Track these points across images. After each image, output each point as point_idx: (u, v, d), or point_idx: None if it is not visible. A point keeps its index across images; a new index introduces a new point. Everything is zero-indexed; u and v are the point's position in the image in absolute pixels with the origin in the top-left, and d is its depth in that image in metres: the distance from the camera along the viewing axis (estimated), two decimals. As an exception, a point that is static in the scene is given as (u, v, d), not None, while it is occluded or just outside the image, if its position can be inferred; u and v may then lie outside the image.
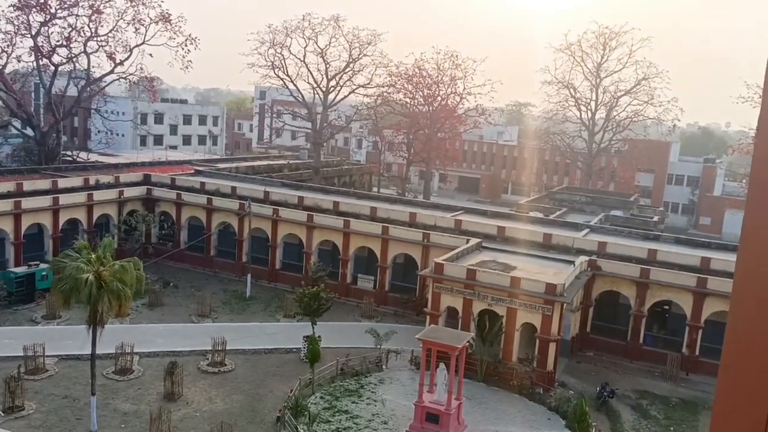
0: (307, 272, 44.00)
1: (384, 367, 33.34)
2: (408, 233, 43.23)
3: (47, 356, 30.21)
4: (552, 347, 32.01)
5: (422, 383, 27.44)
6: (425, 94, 76.88)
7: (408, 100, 78.28)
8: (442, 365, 27.47)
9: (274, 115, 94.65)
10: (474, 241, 40.35)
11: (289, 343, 35.12)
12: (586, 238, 43.01)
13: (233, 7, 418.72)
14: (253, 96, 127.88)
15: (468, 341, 28.73)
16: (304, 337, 33.43)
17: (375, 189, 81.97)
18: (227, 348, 32.62)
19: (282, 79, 72.47)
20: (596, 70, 78.65)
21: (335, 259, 45.19)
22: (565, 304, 32.29)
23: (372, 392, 30.66)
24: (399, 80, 75.22)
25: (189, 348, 33.58)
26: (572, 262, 37.13)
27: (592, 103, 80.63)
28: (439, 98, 77.16)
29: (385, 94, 76.18)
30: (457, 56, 75.43)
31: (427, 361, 28.12)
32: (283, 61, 71.61)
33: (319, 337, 32.92)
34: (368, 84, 73.99)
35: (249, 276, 44.41)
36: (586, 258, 38.27)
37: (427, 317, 34.88)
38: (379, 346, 33.89)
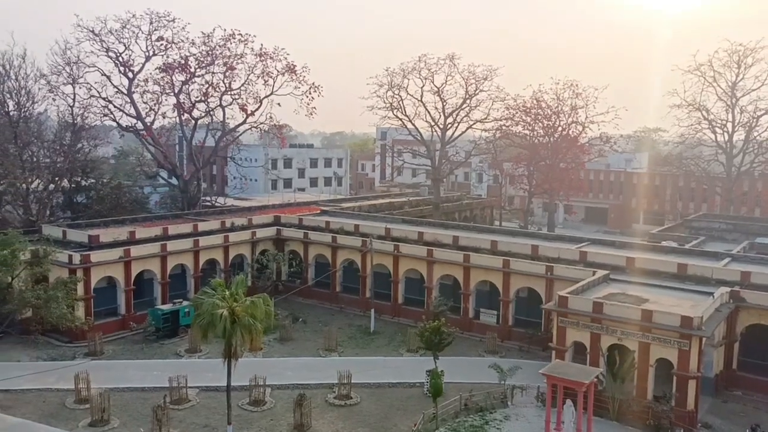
0: (428, 307, 44.22)
1: (509, 403, 32.56)
2: (530, 266, 42.33)
3: (190, 387, 32.45)
4: (691, 384, 29.77)
5: (548, 420, 26.55)
6: (545, 125, 75.72)
7: (527, 132, 77.45)
8: (569, 402, 26.46)
9: (395, 154, 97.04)
10: (601, 273, 38.74)
11: (412, 378, 35.30)
12: (727, 267, 39.90)
13: (356, 55, 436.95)
14: (374, 137, 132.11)
15: (596, 377, 27.49)
16: (426, 371, 33.50)
17: (497, 223, 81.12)
18: (353, 381, 33.38)
19: (400, 119, 74.44)
20: (731, 90, 73.71)
21: (456, 293, 45.10)
22: (704, 339, 30.04)
23: (497, 429, 30.00)
24: (517, 113, 74.76)
25: (317, 381, 34.69)
26: (711, 294, 34.57)
27: (729, 125, 75.41)
28: (560, 128, 75.69)
29: (503, 127, 75.89)
30: (576, 85, 73.98)
31: (553, 397, 27.21)
32: (401, 102, 73.67)
33: (442, 371, 32.81)
34: (485, 119, 74.15)
35: (373, 311, 45.36)
36: (728, 289, 35.48)
37: (553, 352, 33.77)
38: (503, 382, 33.19)
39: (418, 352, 38.69)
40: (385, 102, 73.38)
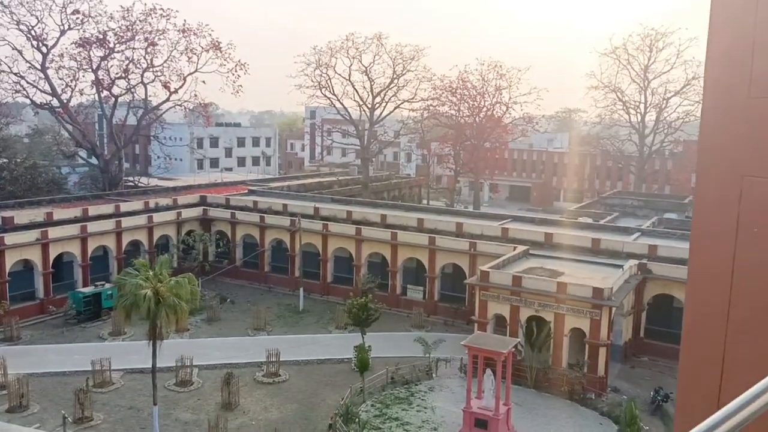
0: (357, 284, 44.93)
1: (433, 375, 33.79)
2: (455, 243, 43.67)
3: (113, 370, 31.97)
4: (602, 352, 31.80)
5: (470, 389, 27.79)
6: (470, 105, 77.31)
7: (453, 112, 78.89)
8: (489, 371, 27.76)
9: (324, 134, 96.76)
10: (521, 248, 40.46)
11: (340, 354, 36.00)
12: (637, 241, 42.45)
13: (285, 31, 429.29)
14: (303, 116, 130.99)
15: (514, 347, 28.93)
16: (354, 347, 34.25)
17: (425, 202, 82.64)
18: (281, 359, 33.75)
19: (329, 98, 74.33)
20: (644, 73, 77.39)
21: (384, 271, 45.99)
22: (614, 309, 32.08)
23: (422, 399, 31.14)
24: (443, 93, 76.01)
25: (245, 360, 34.86)
26: (621, 266, 36.80)
27: (641, 106, 79.30)
28: (484, 109, 77.45)
29: (430, 107, 77.03)
30: (501, 66, 75.71)
31: (474, 367, 28.47)
32: (329, 81, 73.48)
33: (369, 347, 33.68)
34: (413, 98, 75.06)
35: (302, 290, 45.67)
36: (636, 262, 37.84)
37: (475, 325, 35.18)
38: (428, 355, 34.37)
39: (347, 328, 39.43)
40: (312, 81, 73.06)
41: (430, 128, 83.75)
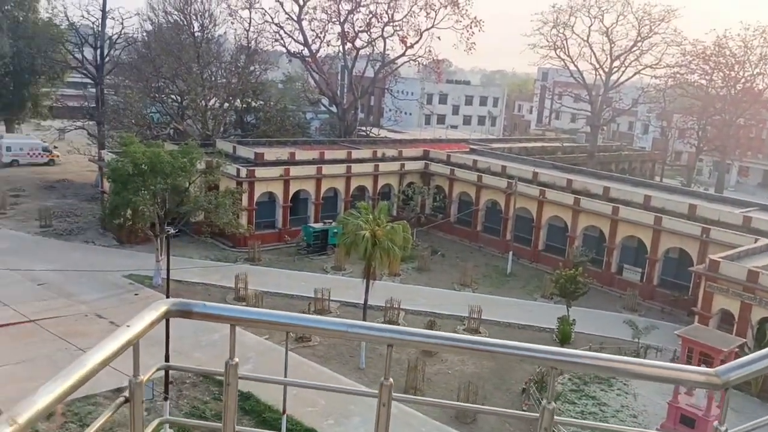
0: (569, 256, 43.61)
1: (640, 361, 31.91)
2: (684, 226, 40.05)
3: (332, 300, 35.25)
4: None
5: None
6: (725, 75, 68.92)
7: (704, 82, 71.04)
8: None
9: (555, 97, 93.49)
10: (764, 241, 35.86)
11: (542, 323, 35.55)
12: None
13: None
14: (535, 78, 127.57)
15: (739, 347, 26.14)
16: (558, 318, 33.60)
17: (657, 179, 76.44)
18: (483, 317, 34.36)
19: (563, 60, 71.37)
20: None
21: (600, 246, 43.93)
22: None
23: (624, 384, 29.70)
24: (694, 60, 68.62)
25: (448, 312, 36.10)
26: None
27: None
28: (742, 80, 68.57)
29: (677, 75, 70.21)
30: (770, 32, 66.01)
31: (688, 361, 26.34)
32: (565, 42, 70.41)
33: (573, 320, 32.80)
34: (657, 64, 68.93)
35: (511, 254, 45.58)
36: None
37: (696, 318, 32.32)
38: (636, 339, 32.50)
39: (552, 299, 38.70)
40: (548, 41, 70.63)
41: (673, 98, 76.56)
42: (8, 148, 64.52)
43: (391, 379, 2.64)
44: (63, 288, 34.92)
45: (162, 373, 22.58)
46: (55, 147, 66.27)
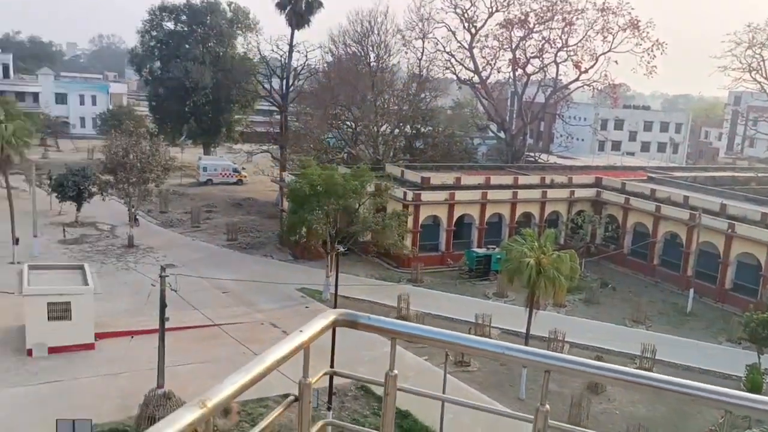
0: (762, 297, 39.17)
1: None
2: None
3: (492, 327, 34.73)
4: None
5: None
6: None
7: None
8: None
9: (748, 123, 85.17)
10: None
11: (727, 369, 32.14)
12: None
13: (714, 5, 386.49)
14: (725, 102, 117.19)
15: None
16: (747, 365, 30.22)
17: None
18: (657, 357, 31.87)
19: (759, 83, 64.92)
20: None
21: (802, 288, 38.94)
22: None
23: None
24: None
25: (618, 348, 33.95)
26: None
27: None
28: None
29: None
30: None
31: None
32: (762, 63, 64.06)
33: (766, 369, 29.31)
34: None
35: (692, 291, 41.91)
36: None
37: None
38: None
39: (740, 343, 34.93)
40: (741, 62, 64.74)
41: None
42: (204, 169, 72.07)
43: (547, 406, 2.61)
44: (243, 297, 38.03)
45: (326, 383, 23.72)
46: (244, 168, 72.79)
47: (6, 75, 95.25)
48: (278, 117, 68.60)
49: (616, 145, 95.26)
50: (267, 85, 68.12)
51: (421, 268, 43.47)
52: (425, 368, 29.72)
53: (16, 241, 40.55)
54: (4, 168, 41.06)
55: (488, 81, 68.99)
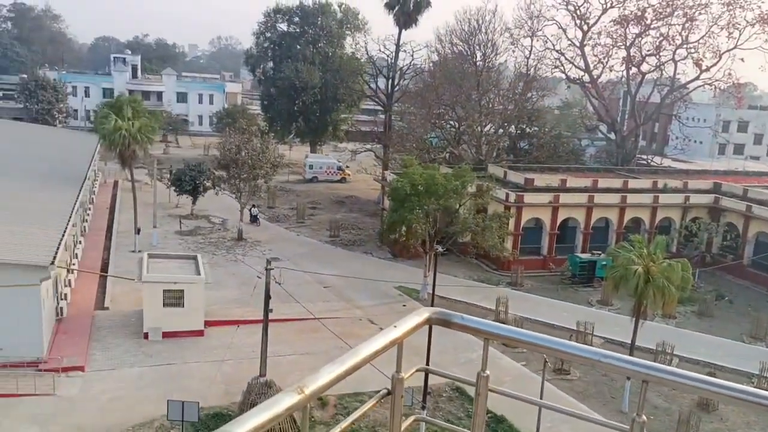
0: None
1: None
2: None
3: (595, 335, 33.49)
4: None
5: None
6: None
7: None
8: None
9: None
10: None
11: None
12: None
13: None
14: None
15: None
16: None
17: None
18: (778, 379, 29.53)
19: None
20: None
21: None
22: None
23: None
24: None
25: (732, 365, 31.75)
26: None
27: None
28: None
29: None
30: None
31: None
32: None
33: None
34: None
35: (822, 309, 38.45)
36: None
37: None
38: None
39: None
40: None
41: None
42: (310, 166, 74.27)
43: (644, 417, 2.52)
44: (343, 292, 38.88)
45: (422, 382, 23.81)
46: (347, 167, 74.36)
47: (134, 75, 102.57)
48: (382, 116, 69.53)
49: (739, 149, 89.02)
50: (373, 85, 69.20)
51: (522, 271, 42.62)
52: (522, 374, 29.17)
53: (137, 231, 43.61)
54: (129, 162, 44.17)
55: (599, 80, 66.48)
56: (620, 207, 47.59)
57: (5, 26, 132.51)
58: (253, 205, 52.52)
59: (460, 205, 39.53)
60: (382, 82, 67.81)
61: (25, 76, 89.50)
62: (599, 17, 64.02)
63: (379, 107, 70.50)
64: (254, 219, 52.27)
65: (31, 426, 22.98)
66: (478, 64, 61.19)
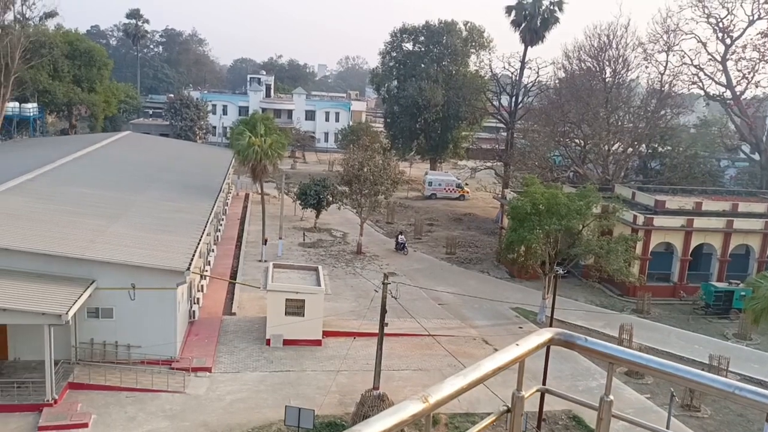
0: None
1: None
2: None
3: (730, 371, 30.89)
4: None
5: None
6: None
7: None
8: None
9: None
10: None
11: None
12: None
13: None
14: None
15: None
16: None
17: None
18: None
19: None
20: None
21: None
22: None
23: None
24: None
25: None
26: None
27: None
28: None
29: None
30: None
31: None
32: None
33: None
34: None
35: None
36: None
37: None
38: None
39: None
40: None
41: None
42: (430, 183, 74.79)
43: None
44: (458, 311, 38.62)
45: (536, 408, 23.08)
46: (466, 184, 74.12)
47: (268, 94, 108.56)
48: (504, 134, 68.71)
49: None
50: (495, 102, 68.65)
51: (649, 298, 40.28)
52: (646, 407, 27.50)
53: (264, 242, 45.90)
54: (260, 176, 46.71)
55: (743, 96, 61.82)
56: (763, 233, 43.81)
57: (157, 50, 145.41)
58: (400, 232, 52.51)
59: (583, 227, 38.13)
60: (505, 100, 67.13)
61: (171, 95, 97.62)
62: (745, 29, 59.72)
63: (501, 125, 69.77)
64: (402, 247, 50.25)
65: (163, 420, 24.71)
66: (607, 80, 59.01)
